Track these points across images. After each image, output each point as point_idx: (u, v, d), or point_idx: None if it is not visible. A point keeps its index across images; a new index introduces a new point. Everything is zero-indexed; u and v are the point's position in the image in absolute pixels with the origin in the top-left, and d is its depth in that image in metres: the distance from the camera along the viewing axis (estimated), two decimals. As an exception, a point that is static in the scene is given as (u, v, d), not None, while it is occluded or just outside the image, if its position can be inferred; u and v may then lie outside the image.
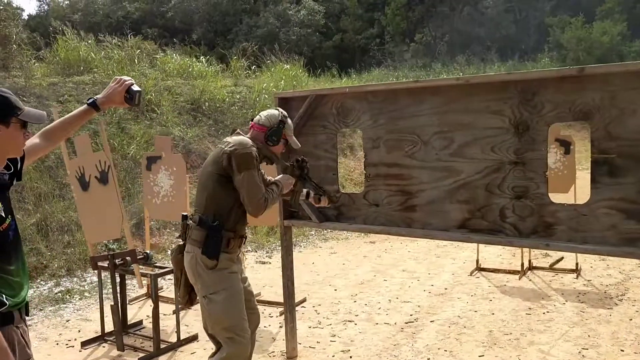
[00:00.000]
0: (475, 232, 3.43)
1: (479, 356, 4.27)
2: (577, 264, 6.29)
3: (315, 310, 5.47)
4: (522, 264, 6.39)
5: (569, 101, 3.05)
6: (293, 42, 24.71)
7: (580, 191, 5.47)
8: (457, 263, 7.04)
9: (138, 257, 4.69)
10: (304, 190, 3.61)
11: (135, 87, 2.39)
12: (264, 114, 3.35)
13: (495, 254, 7.27)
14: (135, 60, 11.80)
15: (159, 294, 4.94)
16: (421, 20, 31.69)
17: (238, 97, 11.97)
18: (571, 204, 3.27)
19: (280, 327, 4.93)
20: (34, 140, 2.32)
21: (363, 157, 3.99)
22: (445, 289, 6.02)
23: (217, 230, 3.08)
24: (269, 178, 3.45)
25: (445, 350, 4.39)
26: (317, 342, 4.67)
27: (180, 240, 3.31)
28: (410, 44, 31.01)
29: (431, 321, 5.05)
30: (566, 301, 5.41)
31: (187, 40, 22.76)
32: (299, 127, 4.01)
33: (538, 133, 3.17)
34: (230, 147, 3.07)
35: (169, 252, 3.87)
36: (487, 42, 29.29)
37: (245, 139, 3.17)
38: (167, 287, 6.20)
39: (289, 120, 3.39)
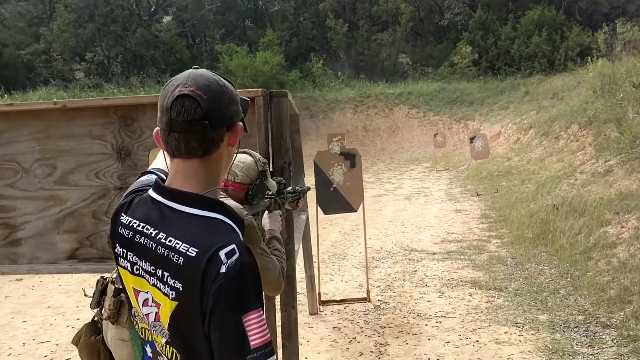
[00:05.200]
0: (85, 261, 3.30)
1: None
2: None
3: None
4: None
5: (166, 127, 3.16)
6: None
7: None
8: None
9: None
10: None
11: None
12: (239, 166, 2.48)
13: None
14: None
15: None
16: (92, 39, 30.41)
17: None
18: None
19: None
20: None
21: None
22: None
23: None
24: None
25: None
26: None
27: (100, 316, 2.44)
28: (81, 62, 29.47)
29: (67, 359, 4.72)
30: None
31: None
32: None
33: (139, 158, 3.20)
34: None
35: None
36: (162, 64, 29.63)
37: (235, 204, 2.33)
38: None
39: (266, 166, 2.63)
